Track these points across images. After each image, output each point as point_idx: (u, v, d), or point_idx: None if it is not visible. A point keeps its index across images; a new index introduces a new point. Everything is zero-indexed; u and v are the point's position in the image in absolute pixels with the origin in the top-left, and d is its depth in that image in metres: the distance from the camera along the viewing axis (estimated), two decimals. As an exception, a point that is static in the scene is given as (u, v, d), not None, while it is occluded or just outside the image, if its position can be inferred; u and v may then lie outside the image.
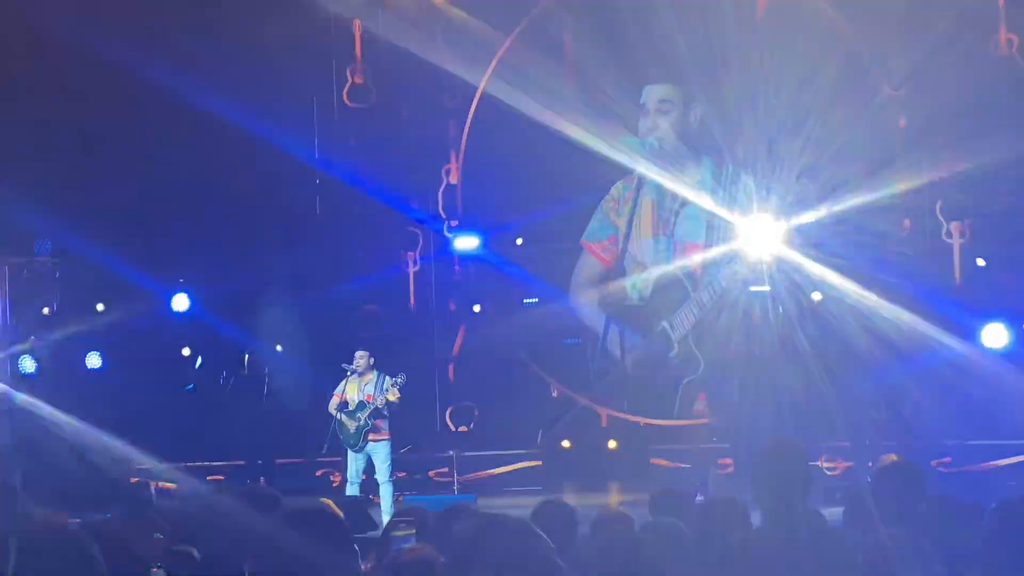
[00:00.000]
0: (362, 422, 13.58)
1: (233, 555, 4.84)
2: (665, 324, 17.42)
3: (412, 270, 17.96)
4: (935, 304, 15.34)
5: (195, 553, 5.56)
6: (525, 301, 18.03)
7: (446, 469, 16.93)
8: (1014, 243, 15.82)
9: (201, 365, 17.47)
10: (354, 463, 13.74)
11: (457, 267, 18.03)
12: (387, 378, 13.62)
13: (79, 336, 16.51)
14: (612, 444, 16.81)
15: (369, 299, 17.65)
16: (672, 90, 17.20)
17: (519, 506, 11.41)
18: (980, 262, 16.48)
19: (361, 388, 13.69)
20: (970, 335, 15.34)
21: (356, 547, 4.65)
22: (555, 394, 17.63)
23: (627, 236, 17.29)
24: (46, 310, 17.11)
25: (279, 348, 17.21)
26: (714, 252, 16.95)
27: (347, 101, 17.76)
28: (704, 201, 16.83)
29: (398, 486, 14.73)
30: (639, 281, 17.49)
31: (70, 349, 16.64)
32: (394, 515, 6.65)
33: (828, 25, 16.37)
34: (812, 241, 15.66)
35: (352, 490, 13.75)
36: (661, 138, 17.07)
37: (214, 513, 5.60)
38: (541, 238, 17.75)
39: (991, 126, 15.22)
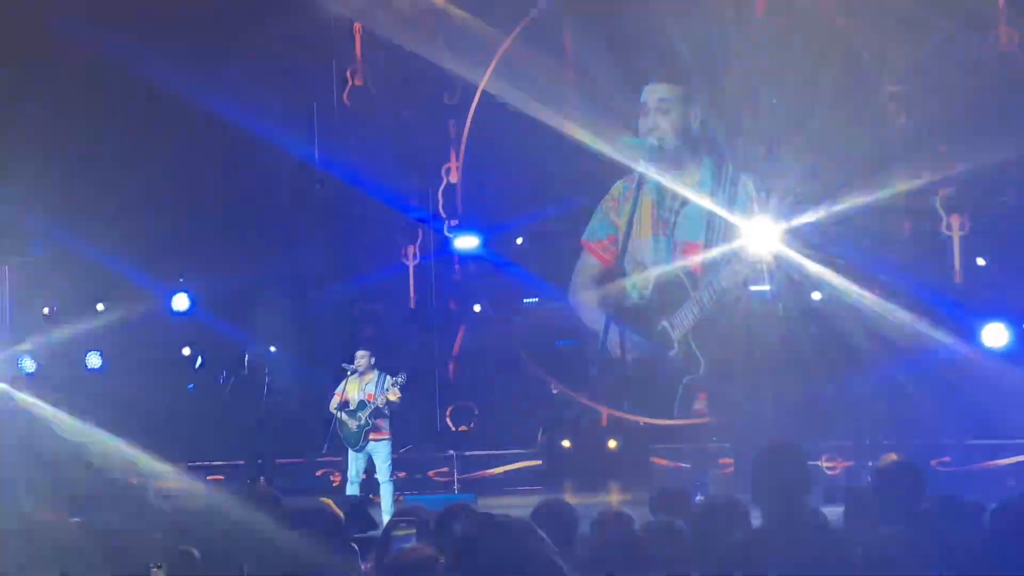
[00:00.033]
0: (363, 421, 13.58)
1: (233, 555, 4.85)
2: (665, 324, 17.41)
3: (411, 264, 17.96)
4: (935, 304, 15.33)
5: (195, 553, 5.56)
6: (525, 301, 18.03)
7: (446, 469, 16.94)
8: (1014, 243, 15.81)
9: (201, 365, 17.47)
10: (355, 463, 13.73)
11: (457, 267, 18.03)
12: (388, 377, 13.61)
13: (79, 336, 16.52)
14: (612, 444, 16.78)
15: (369, 298, 17.66)
16: (672, 89, 17.19)
17: (519, 506, 11.45)
18: (980, 261, 16.47)
19: (362, 387, 13.68)
20: (970, 335, 15.33)
21: (356, 547, 4.65)
22: (555, 391, 17.63)
23: (627, 235, 17.26)
24: (46, 310, 17.12)
25: (272, 349, 17.19)
26: (714, 252, 16.95)
27: (347, 102, 17.77)
28: (704, 201, 16.84)
29: (398, 486, 14.72)
30: (639, 280, 17.48)
31: (70, 349, 16.65)
32: (394, 515, 6.63)
33: (828, 24, 16.36)
34: (812, 241, 15.64)
35: (352, 490, 13.73)
36: (661, 138, 17.03)
37: (214, 513, 5.60)
38: (541, 238, 17.76)
39: (991, 125, 15.22)
